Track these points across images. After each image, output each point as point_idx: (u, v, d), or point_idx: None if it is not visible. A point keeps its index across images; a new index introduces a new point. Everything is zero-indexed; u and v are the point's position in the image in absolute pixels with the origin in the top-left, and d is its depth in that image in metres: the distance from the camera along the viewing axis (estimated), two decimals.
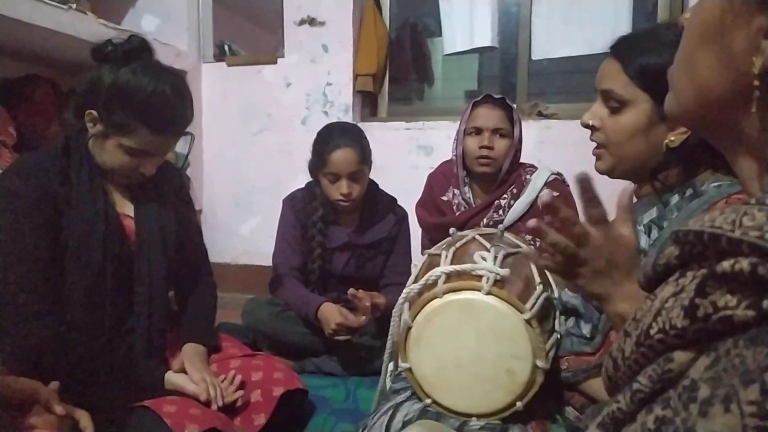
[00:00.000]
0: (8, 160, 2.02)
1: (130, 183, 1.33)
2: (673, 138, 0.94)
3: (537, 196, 1.82)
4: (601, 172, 1.06)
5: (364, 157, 1.86)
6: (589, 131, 1.06)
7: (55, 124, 2.37)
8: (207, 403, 1.24)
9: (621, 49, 0.99)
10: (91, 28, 2.18)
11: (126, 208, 1.33)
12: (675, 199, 0.98)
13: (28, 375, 1.04)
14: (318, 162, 1.85)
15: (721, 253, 0.38)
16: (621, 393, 0.44)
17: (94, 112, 1.21)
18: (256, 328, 1.91)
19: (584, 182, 0.73)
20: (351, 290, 1.73)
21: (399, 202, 2.06)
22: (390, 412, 1.06)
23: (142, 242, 1.31)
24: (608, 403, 0.45)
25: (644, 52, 0.95)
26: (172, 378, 1.27)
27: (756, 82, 0.42)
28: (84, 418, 0.98)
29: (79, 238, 1.20)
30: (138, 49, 1.24)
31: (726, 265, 0.37)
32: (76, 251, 1.20)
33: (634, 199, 1.10)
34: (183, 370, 1.30)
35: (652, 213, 1.01)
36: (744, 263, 0.36)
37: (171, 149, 1.35)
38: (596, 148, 1.05)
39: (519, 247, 1.14)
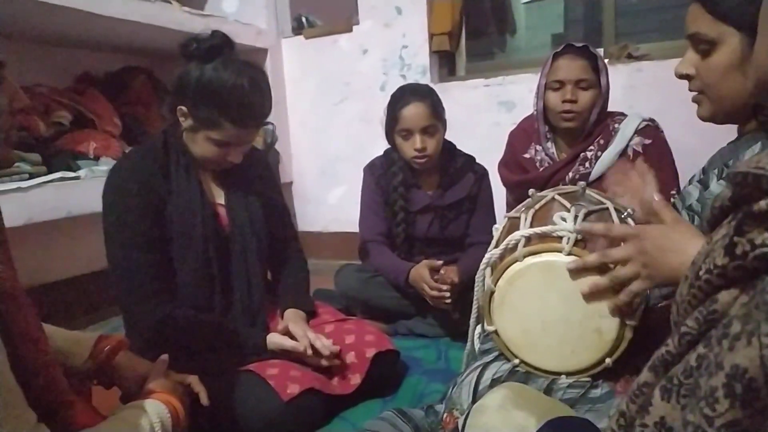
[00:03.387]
0: (117, 149, 2.20)
1: (221, 170, 1.42)
2: None
3: (627, 145, 1.74)
4: (704, 119, 1.04)
5: (436, 111, 1.85)
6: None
7: (154, 111, 2.54)
8: (308, 364, 1.34)
9: None
10: (176, 17, 2.30)
11: (218, 197, 1.44)
12: None
13: (148, 348, 1.17)
14: (391, 121, 1.88)
15: (764, 193, 0.38)
16: (670, 336, 0.45)
17: (184, 108, 1.31)
18: (349, 294, 1.98)
19: None
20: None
21: (482, 161, 2.04)
22: (479, 371, 1.08)
23: (234, 228, 1.42)
24: (659, 347, 0.46)
25: None
26: (273, 338, 1.36)
27: None
28: (195, 382, 1.09)
29: (181, 228, 1.32)
30: (220, 45, 1.30)
31: (763, 204, 0.38)
32: (179, 239, 1.32)
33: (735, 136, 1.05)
34: (287, 332, 1.39)
35: (755, 149, 0.98)
36: None
37: (254, 139, 1.44)
38: (695, 95, 1.03)
39: (602, 203, 1.10)
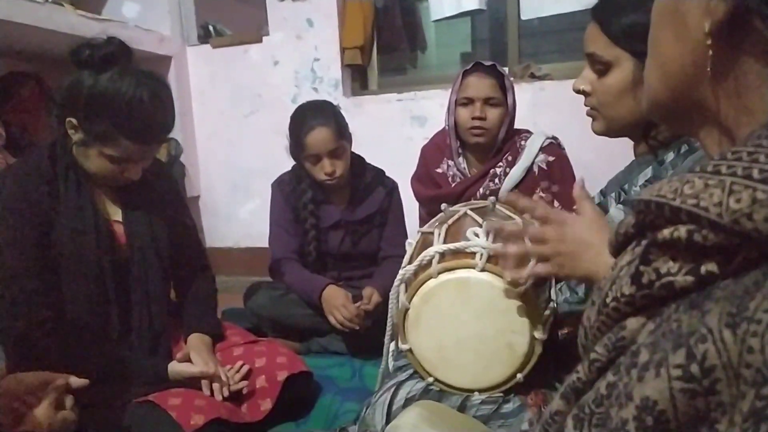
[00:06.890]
0: (0, 161, 2.01)
1: (117, 186, 1.32)
2: None
3: (533, 162, 1.80)
4: (597, 133, 1.07)
5: (341, 132, 1.84)
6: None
7: (43, 120, 2.34)
8: (213, 392, 1.26)
9: (599, 11, 0.98)
10: (69, 20, 2.14)
11: (115, 214, 1.33)
12: (670, 156, 0.98)
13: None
14: (297, 146, 1.85)
15: (667, 221, 0.39)
16: (580, 363, 0.45)
17: (74, 120, 1.19)
18: (259, 313, 1.91)
19: None
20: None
21: (395, 175, 2.05)
22: (392, 390, 1.07)
23: (133, 246, 1.32)
24: (570, 374, 0.46)
25: (621, 12, 0.94)
26: (175, 367, 1.28)
27: (708, 41, 0.42)
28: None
29: (70, 248, 1.21)
30: (116, 53, 1.20)
31: (666, 232, 0.38)
32: (69, 261, 1.21)
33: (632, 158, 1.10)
34: (188, 360, 1.31)
35: (648, 173, 1.01)
36: (682, 230, 0.37)
37: (155, 154, 1.35)
38: (590, 110, 1.06)
39: (512, 218, 1.13)
